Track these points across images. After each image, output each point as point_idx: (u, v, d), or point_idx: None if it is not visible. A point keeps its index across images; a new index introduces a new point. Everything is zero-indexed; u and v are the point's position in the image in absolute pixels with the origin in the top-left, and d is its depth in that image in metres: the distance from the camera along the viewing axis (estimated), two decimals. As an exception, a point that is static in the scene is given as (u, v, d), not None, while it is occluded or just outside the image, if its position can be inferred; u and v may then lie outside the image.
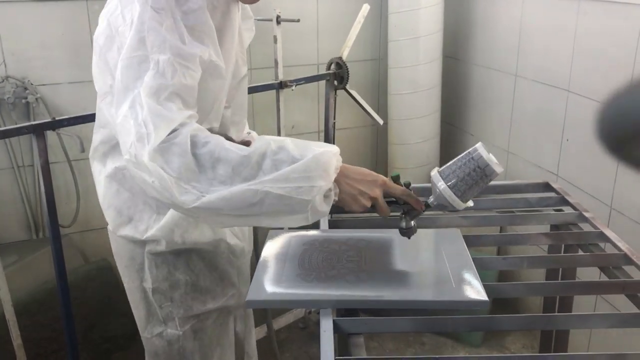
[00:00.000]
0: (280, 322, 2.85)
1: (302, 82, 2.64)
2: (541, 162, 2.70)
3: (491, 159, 1.24)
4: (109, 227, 1.51)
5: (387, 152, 3.31)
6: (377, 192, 1.23)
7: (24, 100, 2.68)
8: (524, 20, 2.72)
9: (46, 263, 2.76)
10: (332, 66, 2.68)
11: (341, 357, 1.05)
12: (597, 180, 2.34)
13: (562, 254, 1.65)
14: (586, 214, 1.62)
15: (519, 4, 2.73)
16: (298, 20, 2.62)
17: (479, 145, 1.27)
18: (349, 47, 2.65)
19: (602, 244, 1.53)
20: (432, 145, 3.22)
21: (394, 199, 1.27)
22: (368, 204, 1.24)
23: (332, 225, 1.61)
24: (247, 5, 1.51)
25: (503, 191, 1.84)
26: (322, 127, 2.88)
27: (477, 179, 1.23)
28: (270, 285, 1.26)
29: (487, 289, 1.22)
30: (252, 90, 2.60)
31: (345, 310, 1.26)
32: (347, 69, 2.63)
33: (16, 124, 2.59)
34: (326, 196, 1.18)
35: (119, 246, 1.51)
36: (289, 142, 1.17)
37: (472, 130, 3.24)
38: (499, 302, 1.18)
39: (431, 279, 1.29)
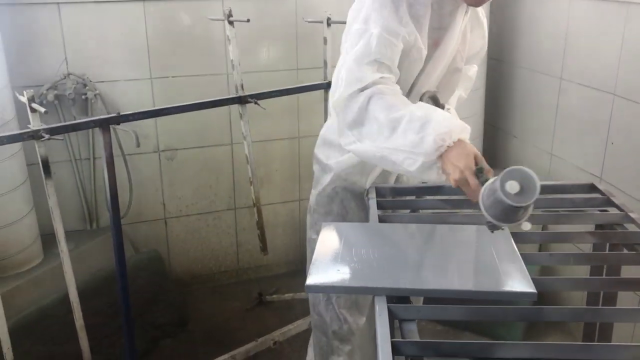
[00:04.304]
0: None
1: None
2: (585, 165, 2.71)
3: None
4: None
5: (429, 152, 3.35)
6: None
7: (83, 97, 2.82)
8: (570, 23, 2.74)
9: (100, 252, 2.90)
10: (379, 67, 2.74)
11: (397, 340, 1.11)
12: (643, 183, 2.34)
13: (607, 252, 1.68)
14: (632, 215, 1.64)
15: (565, 8, 2.75)
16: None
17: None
18: (395, 48, 2.70)
19: (647, 244, 1.56)
20: (475, 146, 3.23)
21: None
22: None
23: (382, 220, 1.67)
24: (479, 14, 1.80)
25: (548, 191, 1.87)
26: (367, 127, 2.93)
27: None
28: (327, 272, 1.33)
29: (533, 282, 1.26)
30: (300, 89, 2.68)
31: (396, 299, 1.32)
32: (394, 70, 2.68)
33: (75, 118, 2.73)
34: (428, 167, 1.44)
35: None
36: (431, 122, 1.44)
37: (515, 132, 3.26)
38: (539, 300, 1.22)
39: (480, 271, 1.34)
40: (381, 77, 1.52)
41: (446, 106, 1.93)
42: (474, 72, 2.06)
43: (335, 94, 1.56)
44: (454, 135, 1.40)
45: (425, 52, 1.62)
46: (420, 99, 1.70)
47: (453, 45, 1.69)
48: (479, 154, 1.42)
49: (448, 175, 1.42)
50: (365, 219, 1.80)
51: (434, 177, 1.45)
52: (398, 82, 1.63)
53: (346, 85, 1.52)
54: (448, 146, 1.39)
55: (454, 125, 1.42)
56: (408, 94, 1.71)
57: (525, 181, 1.24)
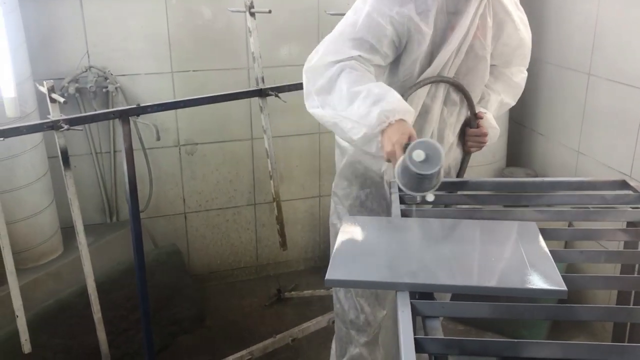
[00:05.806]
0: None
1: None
2: (613, 162, 2.64)
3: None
4: None
5: (451, 149, 3.30)
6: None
7: (104, 90, 2.82)
8: (599, 17, 2.67)
9: (119, 246, 2.89)
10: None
11: (420, 337, 1.06)
12: (674, 181, 2.27)
13: (639, 249, 1.62)
14: (665, 212, 1.58)
15: (595, 1, 2.68)
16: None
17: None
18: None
19: (681, 243, 1.50)
20: (499, 143, 3.18)
21: None
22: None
23: (404, 214, 1.63)
24: (506, 6, 1.77)
25: (578, 188, 1.81)
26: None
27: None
28: (347, 266, 1.29)
29: (562, 280, 1.21)
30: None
31: (419, 295, 1.28)
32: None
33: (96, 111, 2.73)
34: (370, 139, 1.55)
35: None
36: (382, 100, 1.53)
37: (541, 129, 3.19)
38: (563, 299, 1.19)
39: (508, 268, 1.29)
40: (359, 55, 1.61)
41: (482, 110, 1.88)
42: (522, 78, 2.00)
43: (312, 60, 1.65)
44: (397, 115, 1.52)
45: (429, 33, 1.66)
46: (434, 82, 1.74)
47: (466, 29, 1.70)
48: (415, 134, 1.52)
49: (382, 149, 1.54)
50: (383, 205, 1.84)
51: (373, 150, 1.57)
52: (404, 64, 1.70)
53: (324, 54, 1.63)
54: (390, 123, 1.51)
55: (399, 106, 1.53)
56: (419, 76, 1.73)
57: (431, 151, 1.35)
